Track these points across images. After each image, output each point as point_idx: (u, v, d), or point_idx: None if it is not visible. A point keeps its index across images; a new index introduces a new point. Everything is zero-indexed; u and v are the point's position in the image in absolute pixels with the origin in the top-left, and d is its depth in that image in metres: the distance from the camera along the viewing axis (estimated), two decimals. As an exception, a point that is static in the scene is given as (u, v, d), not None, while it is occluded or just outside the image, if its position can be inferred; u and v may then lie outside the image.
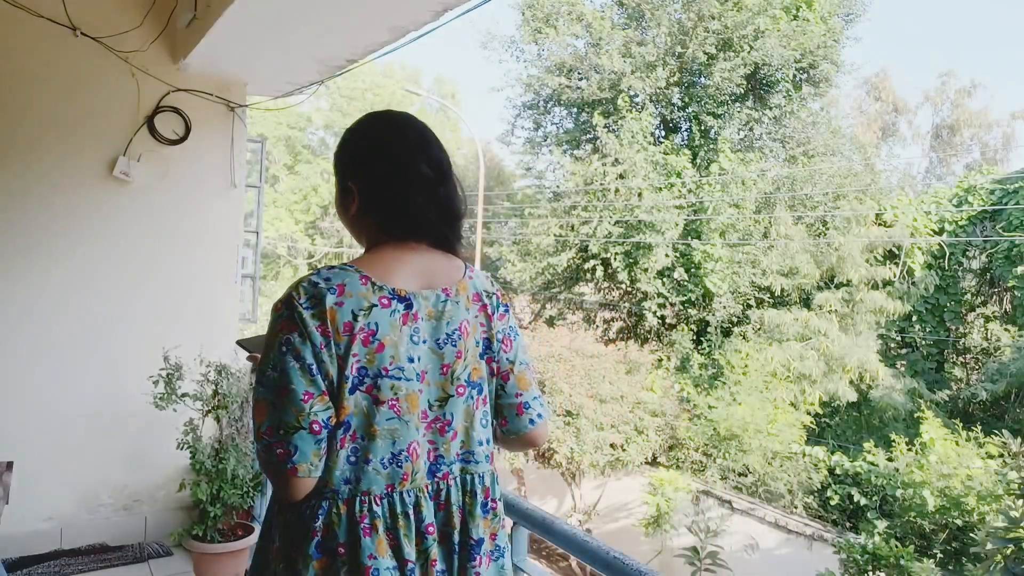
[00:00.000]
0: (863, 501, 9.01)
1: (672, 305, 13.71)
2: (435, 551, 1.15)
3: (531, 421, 1.29)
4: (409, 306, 1.15)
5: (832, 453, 9.73)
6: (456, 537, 1.18)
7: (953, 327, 13.26)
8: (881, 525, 8.25)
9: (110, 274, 3.47)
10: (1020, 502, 6.40)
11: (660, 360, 12.70)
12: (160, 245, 3.60)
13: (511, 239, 17.20)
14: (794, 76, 14.00)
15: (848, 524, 9.34)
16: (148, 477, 3.62)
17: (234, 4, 2.58)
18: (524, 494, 11.62)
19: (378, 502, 1.11)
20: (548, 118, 16.04)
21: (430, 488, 1.16)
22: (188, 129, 3.61)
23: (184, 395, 3.20)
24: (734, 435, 9.72)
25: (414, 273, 1.19)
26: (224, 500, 3.27)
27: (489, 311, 1.26)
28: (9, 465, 2.73)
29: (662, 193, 13.14)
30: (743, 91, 13.53)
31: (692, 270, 13.06)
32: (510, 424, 1.29)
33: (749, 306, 13.25)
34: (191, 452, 3.26)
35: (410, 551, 1.12)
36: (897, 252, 12.81)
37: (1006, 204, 12.18)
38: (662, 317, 13.76)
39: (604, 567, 1.52)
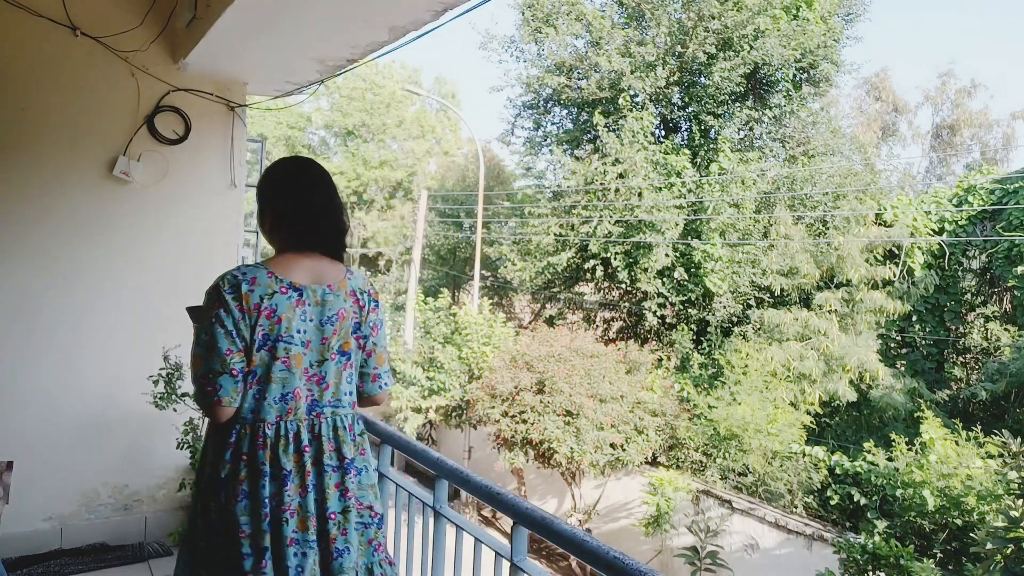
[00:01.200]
0: (863, 501, 9.01)
1: (672, 305, 13.70)
2: (310, 466, 1.68)
3: (379, 387, 1.88)
4: (301, 295, 1.69)
5: (832, 453, 9.72)
6: (333, 460, 1.72)
7: (953, 327, 13.25)
8: (881, 525, 8.25)
9: (110, 273, 3.47)
10: (1020, 502, 6.40)
11: (660, 360, 12.69)
12: (160, 244, 3.60)
13: (511, 239, 17.20)
14: (794, 76, 13.99)
15: (848, 524, 9.34)
16: (148, 477, 3.61)
17: (234, 4, 2.57)
18: (524, 494, 11.62)
19: (270, 427, 1.65)
20: (548, 118, 16.03)
21: (306, 422, 1.70)
22: (188, 129, 3.61)
23: (184, 395, 3.20)
24: (734, 435, 9.71)
25: (307, 272, 1.72)
26: (224, 500, 3.25)
27: (361, 304, 1.80)
28: (9, 465, 2.72)
29: (662, 193, 13.14)
30: (743, 91, 13.52)
31: (692, 270, 13.05)
32: (365, 387, 1.86)
33: (749, 306, 13.24)
34: (191, 452, 3.26)
35: (286, 462, 1.65)
36: (897, 252, 12.81)
37: (1006, 204, 12.17)
38: (662, 317, 13.75)
39: (604, 567, 1.51)
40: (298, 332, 1.66)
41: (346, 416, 1.77)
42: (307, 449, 1.68)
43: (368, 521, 1.77)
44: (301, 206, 1.75)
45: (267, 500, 1.62)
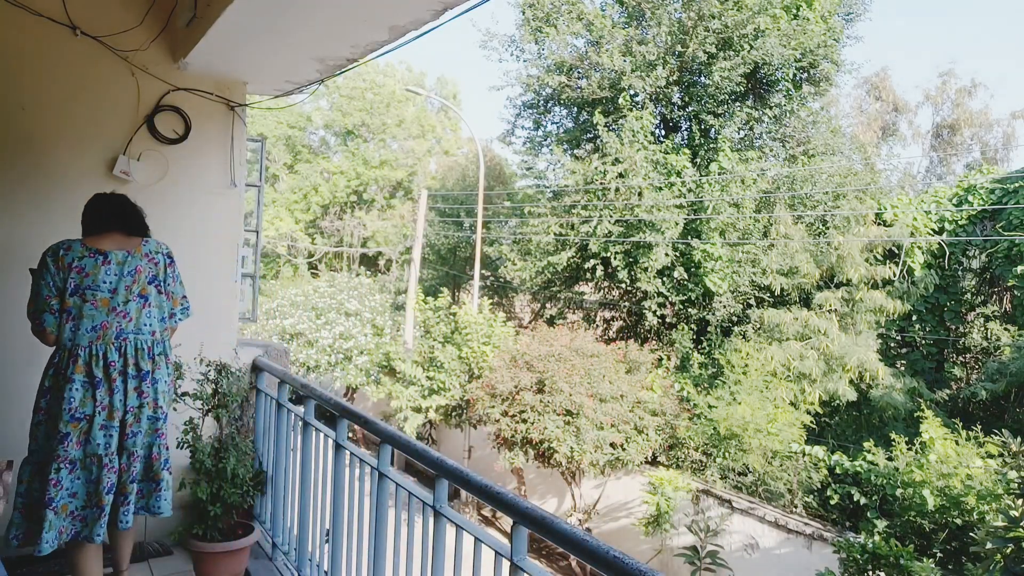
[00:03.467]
0: (863, 500, 9.01)
1: (672, 304, 13.70)
2: (116, 376, 2.55)
3: (176, 320, 2.83)
4: (106, 257, 2.58)
5: (832, 452, 9.72)
6: (132, 371, 2.58)
7: (953, 327, 13.25)
8: (881, 524, 8.25)
9: (110, 273, 3.46)
10: (1020, 502, 6.39)
11: (660, 359, 12.69)
12: (160, 244, 3.59)
13: (511, 238, 17.19)
14: (794, 75, 13.99)
15: (848, 523, 9.34)
16: (148, 476, 3.60)
17: (234, 3, 2.57)
18: (524, 493, 11.63)
19: (83, 349, 2.51)
20: (548, 117, 16.02)
21: (114, 344, 2.56)
22: (188, 128, 3.61)
23: (184, 394, 3.20)
24: (734, 434, 9.72)
25: (111, 243, 2.63)
26: (224, 499, 3.27)
27: (156, 261, 2.72)
28: (9, 464, 2.73)
29: (662, 192, 13.13)
30: (743, 90, 13.52)
31: (692, 269, 13.05)
32: (166, 321, 2.75)
33: (749, 305, 13.24)
34: (191, 451, 3.26)
35: (97, 372, 2.51)
36: (897, 251, 12.81)
37: (1006, 204, 12.17)
38: (662, 316, 13.75)
39: (604, 567, 1.51)
40: (104, 283, 2.54)
41: (145, 340, 2.64)
42: (114, 364, 2.53)
43: (158, 416, 2.65)
44: (99, 216, 2.69)
45: (80, 400, 2.47)
